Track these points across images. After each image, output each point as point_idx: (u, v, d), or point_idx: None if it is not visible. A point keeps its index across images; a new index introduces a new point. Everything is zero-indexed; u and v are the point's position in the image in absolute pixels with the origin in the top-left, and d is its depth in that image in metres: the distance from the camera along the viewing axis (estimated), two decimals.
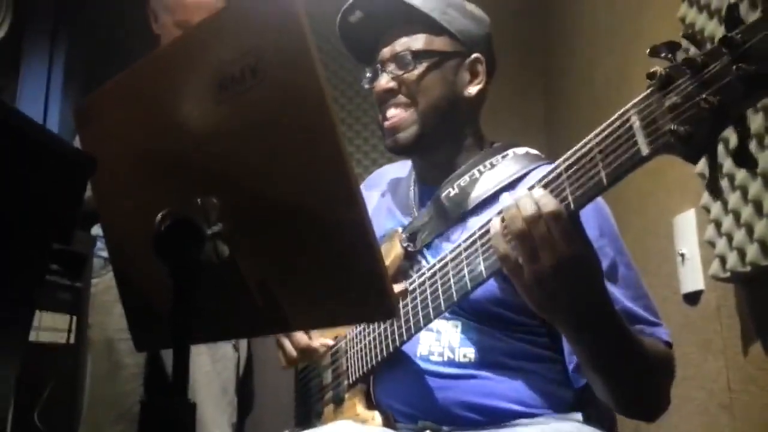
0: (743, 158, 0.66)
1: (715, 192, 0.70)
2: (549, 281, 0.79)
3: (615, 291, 0.98)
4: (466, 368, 1.05)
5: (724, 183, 1.13)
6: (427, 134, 1.14)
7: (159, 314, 0.80)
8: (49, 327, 1.23)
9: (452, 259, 0.95)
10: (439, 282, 0.97)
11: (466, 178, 1.14)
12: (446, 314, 1.07)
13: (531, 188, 0.82)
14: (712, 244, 1.18)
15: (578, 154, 0.78)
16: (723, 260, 1.14)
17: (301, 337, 1.21)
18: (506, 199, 0.83)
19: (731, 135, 0.67)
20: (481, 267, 0.90)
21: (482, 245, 0.90)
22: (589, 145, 0.76)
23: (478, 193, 1.12)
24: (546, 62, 2.64)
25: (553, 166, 0.81)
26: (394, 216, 1.24)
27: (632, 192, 1.67)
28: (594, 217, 1.00)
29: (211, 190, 0.77)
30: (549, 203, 0.78)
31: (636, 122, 0.71)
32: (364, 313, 0.74)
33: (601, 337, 0.86)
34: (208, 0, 1.94)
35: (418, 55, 1.13)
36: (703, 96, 0.64)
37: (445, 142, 1.17)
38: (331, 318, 0.78)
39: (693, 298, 1.35)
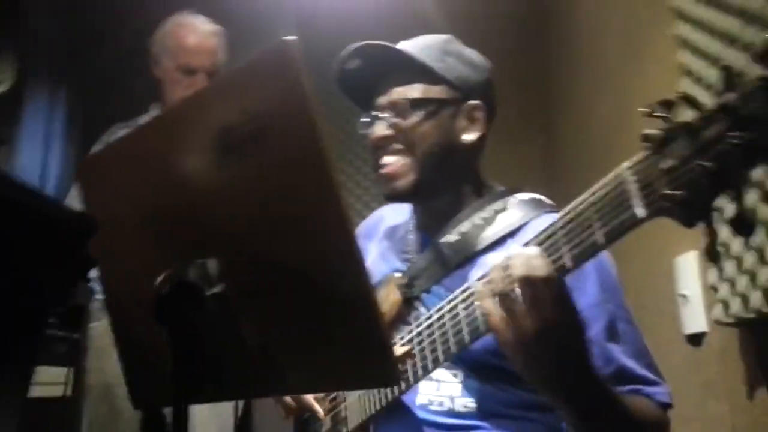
0: (742, 226, 0.65)
1: (713, 258, 0.68)
2: (533, 345, 0.78)
3: (614, 348, 0.97)
4: (467, 419, 1.04)
5: (725, 229, 1.13)
6: (425, 182, 1.12)
7: (158, 373, 0.79)
8: (46, 382, 1.21)
9: (449, 311, 0.94)
10: (437, 333, 0.96)
11: (467, 224, 1.12)
12: (446, 364, 1.06)
13: (526, 244, 0.81)
14: (715, 289, 1.18)
15: (574, 213, 0.77)
16: (726, 305, 1.14)
17: None
18: (512, 248, 0.82)
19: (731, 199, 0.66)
20: (479, 321, 0.88)
21: (465, 311, 0.90)
22: (584, 205, 0.75)
23: (480, 240, 1.10)
24: (545, 100, 2.65)
25: (548, 224, 0.80)
26: (391, 262, 1.23)
27: (632, 234, 1.67)
28: (595, 270, 0.99)
29: (213, 251, 0.76)
30: (542, 266, 0.77)
31: (632, 184, 0.70)
32: (366, 379, 0.73)
33: (584, 404, 0.85)
34: (209, 44, 1.97)
35: (414, 104, 1.12)
36: (699, 162, 0.63)
37: (443, 189, 1.16)
38: (333, 383, 0.78)
39: (696, 339, 1.35)
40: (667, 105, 0.68)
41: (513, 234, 1.09)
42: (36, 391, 1.18)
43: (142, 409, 0.95)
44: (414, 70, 1.13)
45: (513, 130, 2.58)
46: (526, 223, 1.09)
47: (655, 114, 0.68)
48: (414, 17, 2.61)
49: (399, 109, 1.12)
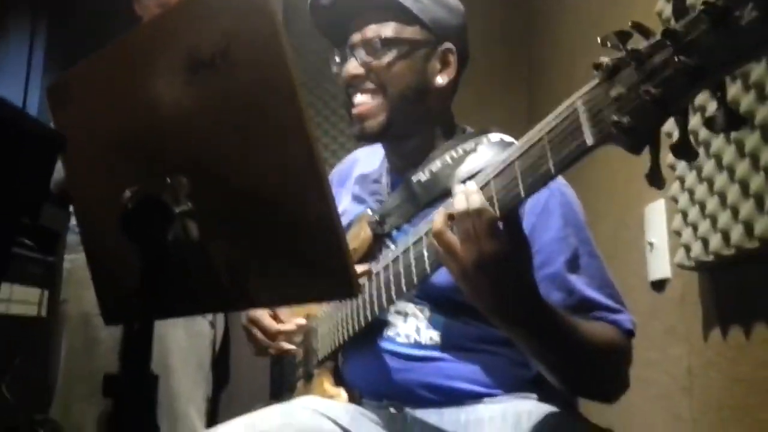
0: (684, 151, 0.66)
1: (656, 183, 0.69)
2: (473, 276, 0.81)
3: (576, 280, 1.00)
4: (430, 350, 1.07)
5: (692, 175, 1.16)
6: (396, 123, 1.12)
7: (128, 289, 0.81)
8: (21, 300, 1.23)
9: (414, 242, 0.96)
10: (402, 265, 0.98)
11: (438, 163, 1.13)
12: (415, 299, 1.09)
13: (464, 182, 0.84)
14: (679, 234, 1.21)
15: (529, 144, 0.78)
16: (688, 249, 1.17)
17: (269, 324, 1.21)
18: (456, 186, 0.85)
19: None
20: (433, 256, 0.91)
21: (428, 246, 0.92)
22: (539, 135, 0.77)
23: (449, 179, 1.10)
24: (530, 55, 2.64)
25: (504, 156, 0.82)
26: (365, 203, 1.25)
27: (607, 182, 1.70)
28: (559, 207, 1.02)
29: (182, 170, 0.77)
30: (476, 200, 0.80)
31: (582, 112, 0.71)
32: (327, 291, 0.75)
33: (534, 333, 0.88)
34: None
35: (388, 43, 1.11)
36: (645, 87, 0.64)
37: (414, 131, 1.16)
38: (296, 296, 0.80)
39: (659, 285, 1.39)
40: (622, 35, 0.68)
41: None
42: (11, 309, 1.20)
43: (114, 324, 0.98)
44: (389, 8, 1.12)
45: (497, 85, 2.58)
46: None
47: (609, 44, 0.69)
48: None
49: (372, 47, 1.11)
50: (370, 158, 1.33)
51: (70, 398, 1.84)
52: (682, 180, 1.20)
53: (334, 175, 1.39)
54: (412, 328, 1.09)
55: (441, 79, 1.15)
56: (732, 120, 0.62)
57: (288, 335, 1.21)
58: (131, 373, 0.71)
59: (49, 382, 1.68)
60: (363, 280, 1.06)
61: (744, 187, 0.97)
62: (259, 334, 1.22)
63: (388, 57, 1.11)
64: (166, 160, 0.80)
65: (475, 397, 1.04)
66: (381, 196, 1.23)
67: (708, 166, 1.09)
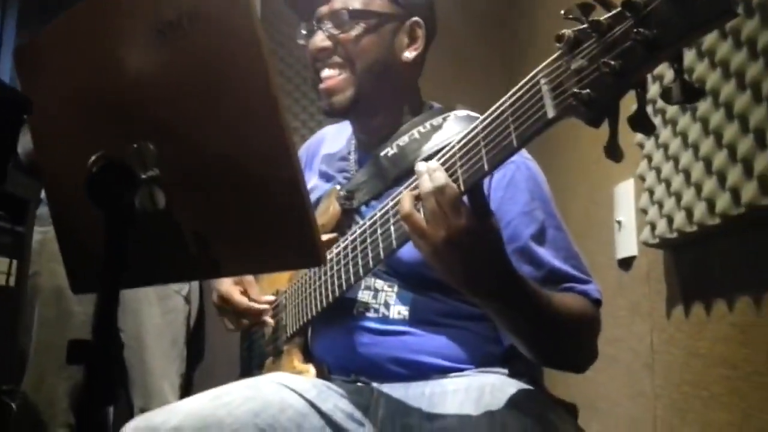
0: (641, 123, 0.66)
1: (613, 155, 0.69)
2: (444, 253, 0.81)
3: (544, 252, 1.02)
4: (399, 325, 1.08)
5: (659, 153, 1.18)
6: (363, 98, 1.11)
7: (95, 258, 0.80)
8: None
9: (380, 216, 0.96)
10: (369, 240, 0.98)
11: (405, 138, 1.13)
12: (384, 275, 1.10)
13: (427, 160, 0.84)
14: (645, 212, 1.23)
15: (492, 117, 0.78)
16: (653, 227, 1.19)
17: (240, 300, 1.22)
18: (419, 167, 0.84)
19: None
20: (401, 231, 0.90)
21: (394, 216, 0.91)
22: (501, 108, 0.77)
23: (416, 154, 1.11)
24: (509, 36, 2.65)
25: (467, 130, 0.82)
26: (333, 179, 1.25)
27: (577, 162, 1.72)
28: (525, 181, 1.03)
29: (149, 136, 0.77)
30: (439, 177, 0.80)
31: (544, 85, 0.71)
32: (293, 259, 0.76)
33: (509, 305, 0.89)
34: None
35: (355, 15, 1.10)
36: (605, 59, 0.64)
37: (382, 106, 1.15)
38: (262, 264, 0.80)
39: (626, 263, 1.41)
40: (585, 7, 0.67)
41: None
42: None
43: (81, 293, 0.97)
44: None
45: (476, 67, 2.59)
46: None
47: (571, 17, 0.68)
48: None
49: (339, 20, 1.10)
50: (337, 136, 1.33)
51: (42, 371, 1.83)
52: (649, 158, 1.22)
53: (302, 153, 1.38)
54: (381, 303, 1.10)
55: (408, 54, 1.14)
56: (688, 92, 0.63)
57: (257, 312, 1.22)
58: (97, 340, 0.71)
59: (18, 352, 1.67)
60: (330, 253, 1.07)
61: (707, 164, 0.99)
62: (231, 314, 1.23)
63: (356, 30, 1.10)
64: (134, 126, 0.79)
65: (442, 372, 1.05)
66: (349, 173, 1.22)
67: (674, 144, 1.11)
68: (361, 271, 1.00)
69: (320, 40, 1.11)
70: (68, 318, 1.83)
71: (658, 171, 1.18)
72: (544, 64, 0.71)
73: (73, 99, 0.86)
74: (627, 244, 1.39)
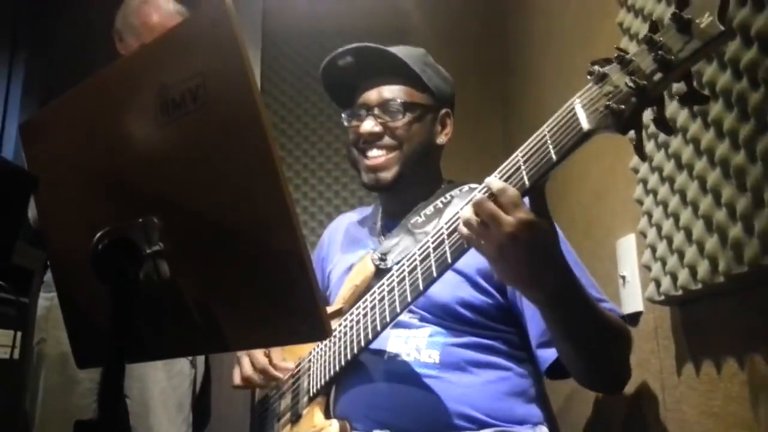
0: (662, 125, 0.86)
1: (642, 156, 0.86)
2: (507, 251, 0.88)
3: None
4: (430, 368, 1.11)
5: (659, 210, 1.18)
6: (406, 174, 1.29)
7: (100, 331, 0.81)
8: None
9: (409, 266, 1.05)
10: (397, 288, 1.06)
11: (431, 208, 1.29)
12: (414, 322, 1.13)
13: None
14: (648, 268, 1.22)
15: (533, 142, 0.92)
16: (658, 284, 1.19)
17: (261, 357, 1.24)
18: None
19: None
20: (432, 268, 0.99)
21: (434, 249, 1.00)
22: (541, 132, 0.90)
23: (442, 220, 1.21)
24: (504, 88, 2.71)
25: (511, 157, 0.93)
26: (364, 244, 1.33)
27: (580, 216, 1.73)
28: None
29: (153, 210, 0.78)
30: (494, 182, 0.90)
31: (578, 106, 0.88)
32: (298, 333, 0.76)
33: (566, 302, 0.96)
34: (173, 24, 1.97)
35: (406, 106, 1.28)
36: (631, 78, 0.83)
37: (417, 182, 1.32)
38: (267, 338, 0.80)
39: (633, 319, 1.40)
40: (606, 60, 0.90)
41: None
42: None
43: (86, 367, 0.97)
44: (403, 75, 1.29)
45: (473, 117, 2.64)
46: None
47: (597, 64, 0.90)
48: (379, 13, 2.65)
49: (389, 108, 1.29)
50: (358, 216, 1.48)
51: None
52: (649, 215, 1.22)
53: (324, 239, 1.53)
54: (412, 347, 1.15)
55: (440, 139, 1.36)
56: (696, 97, 0.85)
57: (272, 376, 1.24)
58: (102, 420, 0.70)
59: (23, 424, 1.64)
60: (358, 308, 1.12)
61: (708, 222, 0.99)
62: (246, 364, 1.26)
63: (406, 119, 1.29)
64: (138, 200, 0.81)
65: (469, 422, 1.08)
66: (377, 237, 1.35)
67: (673, 201, 1.12)
68: (388, 317, 1.07)
69: (371, 126, 1.30)
70: (74, 385, 1.81)
71: (659, 228, 1.18)
72: (578, 93, 0.90)
73: (77, 173, 0.88)
74: (632, 300, 1.38)
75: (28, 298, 1.31)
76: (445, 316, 1.15)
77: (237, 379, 1.29)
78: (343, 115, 1.36)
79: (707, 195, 1.00)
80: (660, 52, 0.81)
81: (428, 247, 1.03)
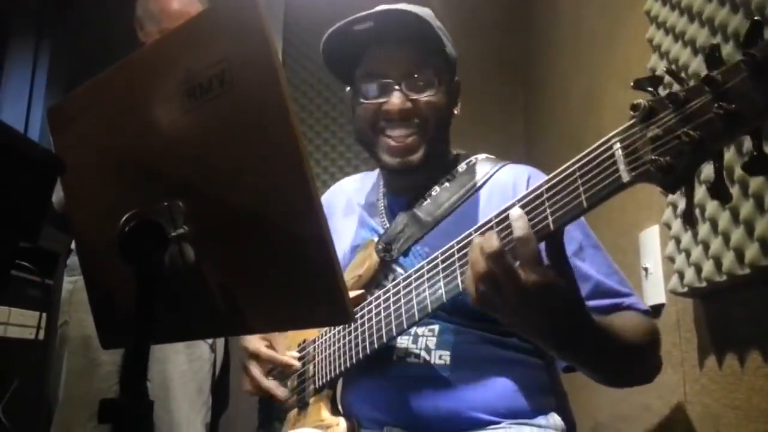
0: (719, 192, 0.68)
1: (690, 223, 0.72)
2: (519, 309, 0.79)
3: (586, 267, 1.05)
4: (440, 371, 1.07)
5: (684, 201, 1.17)
6: (432, 154, 1.17)
7: (125, 313, 0.82)
8: (19, 323, 1.24)
9: (429, 270, 0.97)
10: (414, 292, 0.99)
11: (436, 188, 1.19)
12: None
13: (510, 206, 0.83)
14: (672, 260, 1.21)
15: (560, 177, 0.78)
16: (681, 275, 1.18)
17: (268, 353, 1.22)
18: (514, 212, 0.82)
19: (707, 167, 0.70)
20: (458, 280, 0.91)
21: (459, 258, 0.91)
22: (571, 169, 0.77)
23: (450, 199, 1.17)
24: (527, 77, 2.68)
25: (534, 187, 0.82)
26: (368, 224, 1.27)
27: (602, 207, 1.71)
28: None
29: (179, 194, 0.79)
30: (519, 226, 0.79)
31: (618, 150, 0.73)
32: (321, 317, 0.76)
33: (582, 349, 0.88)
34: (193, 10, 1.98)
35: (438, 80, 1.15)
36: (685, 130, 0.66)
37: (436, 159, 1.20)
38: (290, 322, 0.81)
39: (655, 311, 1.39)
40: (654, 80, 0.71)
41: (481, 186, 1.19)
42: (9, 332, 1.21)
43: (111, 348, 0.98)
44: (423, 42, 1.15)
45: (496, 107, 2.62)
46: (490, 176, 1.20)
47: (641, 87, 0.71)
48: None
49: (419, 82, 1.14)
50: (359, 183, 1.38)
51: (69, 421, 1.83)
52: (674, 206, 1.21)
53: (325, 198, 1.42)
54: (421, 348, 1.10)
55: (456, 110, 1.24)
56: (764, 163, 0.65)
57: (284, 364, 1.22)
58: (127, 399, 0.71)
59: (46, 405, 1.68)
60: (369, 304, 1.07)
61: (734, 214, 0.98)
62: (256, 371, 1.23)
63: (437, 95, 1.16)
64: (164, 183, 0.81)
65: (483, 425, 1.05)
66: (383, 219, 1.26)
67: (699, 192, 1.10)
68: (405, 323, 1.00)
69: (401, 101, 1.14)
70: (96, 368, 1.85)
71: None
72: (618, 129, 0.74)
73: (104, 157, 0.89)
74: (655, 292, 1.37)
75: (53, 280, 1.33)
76: (454, 311, 1.09)
77: (248, 386, 1.27)
78: (351, 90, 1.21)
79: (734, 185, 0.98)
80: (724, 101, 0.64)
81: (437, 266, 0.94)
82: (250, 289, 0.77)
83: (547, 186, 0.80)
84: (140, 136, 0.83)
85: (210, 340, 2.07)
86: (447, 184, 1.19)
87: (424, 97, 1.14)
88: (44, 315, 1.23)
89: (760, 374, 1.02)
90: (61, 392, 1.84)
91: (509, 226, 0.80)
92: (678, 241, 1.19)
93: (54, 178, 0.80)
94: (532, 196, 0.81)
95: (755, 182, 0.92)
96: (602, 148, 0.75)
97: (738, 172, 0.97)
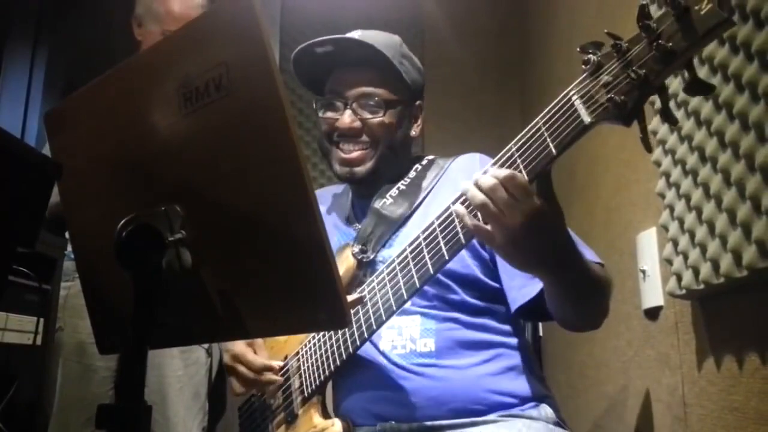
0: (667, 116, 0.82)
1: (647, 146, 0.82)
2: (520, 238, 0.87)
3: None
4: (426, 357, 1.12)
5: (681, 203, 1.17)
6: (379, 169, 1.27)
7: (122, 318, 0.81)
8: (16, 328, 1.24)
9: (412, 251, 1.03)
10: (400, 275, 1.04)
11: (395, 190, 1.29)
12: (406, 309, 1.13)
13: (485, 171, 0.91)
14: (670, 262, 1.21)
15: (527, 135, 0.89)
16: (679, 278, 1.18)
17: (254, 359, 1.23)
18: (464, 183, 0.91)
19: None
20: (460, 235, 0.97)
21: (442, 231, 0.99)
22: (536, 126, 0.88)
23: (414, 196, 1.26)
24: (523, 80, 2.69)
25: (505, 149, 0.92)
26: (341, 230, 1.33)
27: (600, 209, 1.71)
28: None
29: (176, 199, 0.79)
30: (502, 171, 0.87)
31: (577, 99, 0.86)
32: (319, 321, 0.76)
33: (573, 271, 0.97)
34: (195, 13, 1.98)
35: (386, 104, 1.25)
36: (632, 69, 0.80)
37: (389, 173, 1.30)
38: (287, 326, 0.80)
39: (653, 313, 1.39)
40: (597, 45, 0.86)
41: (441, 176, 1.29)
42: (6, 338, 1.21)
43: (108, 353, 0.98)
44: (382, 68, 1.26)
45: (492, 111, 2.63)
46: (449, 165, 1.30)
47: (586, 51, 0.87)
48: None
49: (367, 104, 1.26)
50: (331, 195, 1.46)
51: (65, 427, 1.82)
52: (671, 208, 1.21)
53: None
54: (407, 338, 1.15)
55: (414, 131, 1.34)
56: (700, 86, 0.82)
57: (270, 370, 1.22)
58: (125, 404, 0.71)
59: (44, 411, 1.67)
60: (354, 310, 1.10)
61: (731, 216, 0.98)
62: (244, 370, 1.23)
63: (385, 117, 1.26)
64: (161, 188, 0.81)
65: (473, 414, 1.08)
66: (351, 222, 1.34)
67: (696, 194, 1.11)
68: (394, 305, 1.06)
69: (350, 120, 1.26)
70: (91, 373, 1.83)
71: (681, 221, 1.17)
72: (573, 84, 0.86)
73: (101, 161, 0.88)
74: (653, 294, 1.37)
75: (51, 285, 1.33)
76: (433, 298, 1.15)
77: (238, 389, 1.28)
78: (316, 104, 1.31)
79: (731, 188, 0.98)
80: (659, 41, 0.78)
81: (420, 245, 1.01)
82: (248, 294, 0.77)
83: (516, 145, 0.90)
84: (138, 141, 0.82)
85: (206, 345, 2.06)
86: (407, 181, 1.29)
87: (373, 118, 1.25)
88: (42, 320, 1.22)
89: (758, 376, 1.02)
90: (57, 397, 1.83)
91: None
92: (675, 244, 1.19)
93: (51, 183, 0.80)
94: (504, 156, 0.91)
95: (752, 184, 0.93)
96: (562, 102, 0.87)
97: (735, 175, 0.97)
